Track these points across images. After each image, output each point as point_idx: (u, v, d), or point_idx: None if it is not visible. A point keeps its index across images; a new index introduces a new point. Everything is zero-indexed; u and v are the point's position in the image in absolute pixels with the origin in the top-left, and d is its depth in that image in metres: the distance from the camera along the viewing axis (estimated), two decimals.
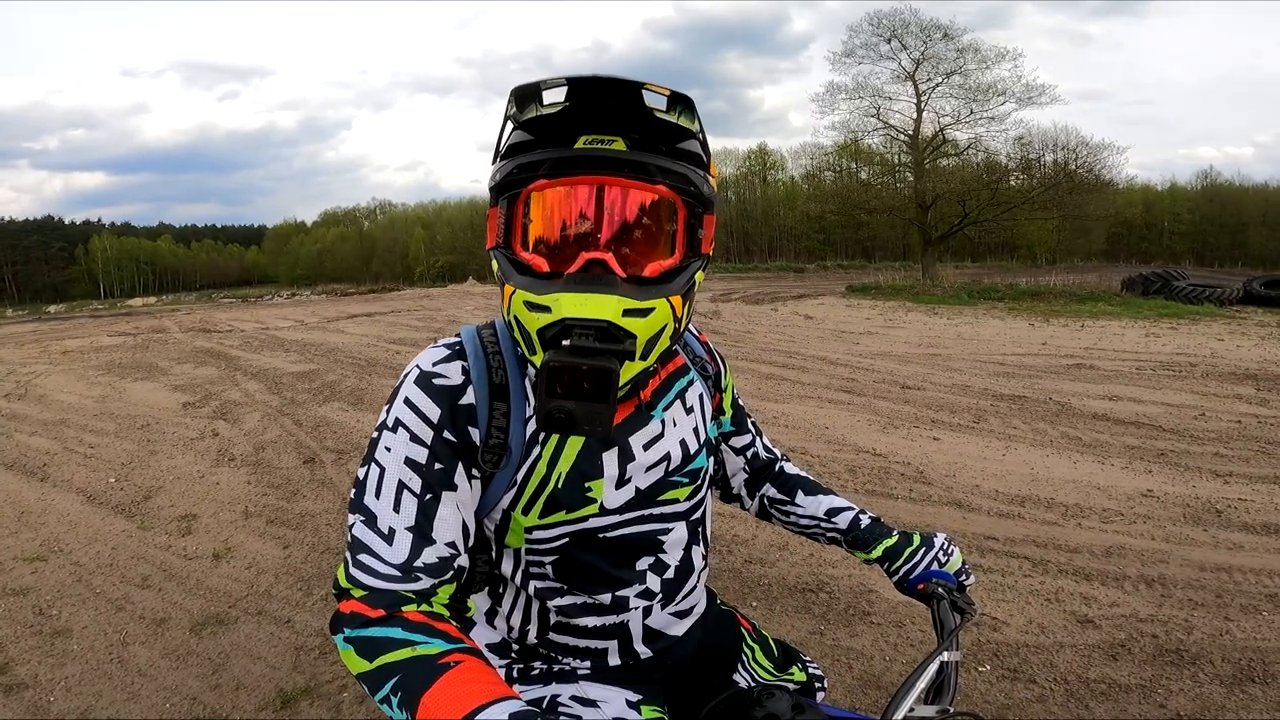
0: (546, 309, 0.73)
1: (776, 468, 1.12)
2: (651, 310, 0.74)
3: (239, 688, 2.20)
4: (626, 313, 0.73)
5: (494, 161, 0.80)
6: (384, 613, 0.72)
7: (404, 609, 0.72)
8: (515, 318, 0.76)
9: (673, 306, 0.77)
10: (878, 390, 6.24)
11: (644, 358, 0.76)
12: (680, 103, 0.73)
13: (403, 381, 0.81)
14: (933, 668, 0.79)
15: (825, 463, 4.28)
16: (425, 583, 0.75)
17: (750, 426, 1.10)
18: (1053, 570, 2.85)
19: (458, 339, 0.85)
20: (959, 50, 23.02)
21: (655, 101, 0.72)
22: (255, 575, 2.94)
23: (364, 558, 0.74)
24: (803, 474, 1.13)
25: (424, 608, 0.74)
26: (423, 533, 0.76)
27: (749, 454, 1.10)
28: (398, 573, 0.74)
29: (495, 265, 0.80)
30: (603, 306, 0.72)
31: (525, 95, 0.73)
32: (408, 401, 0.79)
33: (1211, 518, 3.39)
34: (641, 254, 0.77)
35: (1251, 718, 2.04)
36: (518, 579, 0.86)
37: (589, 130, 0.74)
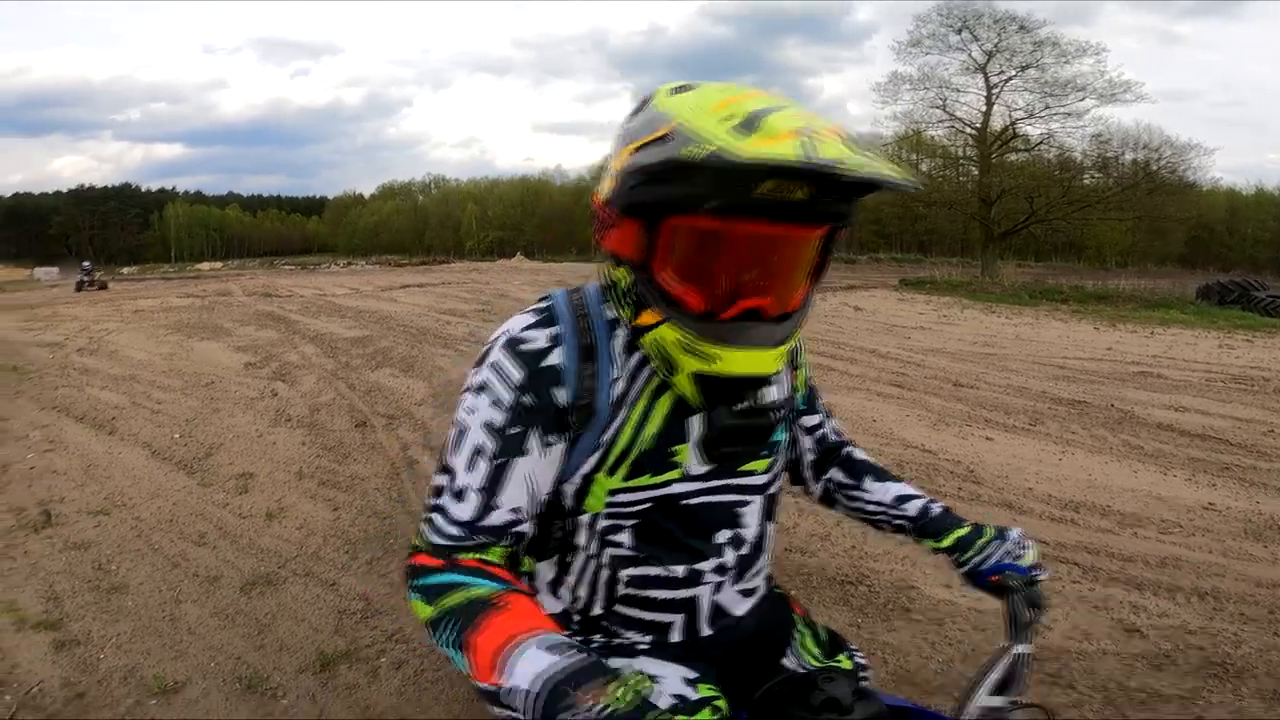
0: (709, 359, 0.75)
1: (844, 452, 1.11)
2: (791, 338, 0.81)
3: (282, 649, 2.27)
4: (778, 357, 0.79)
5: (634, 150, 0.74)
6: (443, 562, 0.77)
7: (460, 557, 0.77)
8: (662, 348, 0.77)
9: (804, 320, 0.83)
10: (929, 386, 6.08)
11: (782, 410, 0.88)
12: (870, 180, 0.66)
13: (492, 345, 0.83)
14: (1006, 660, 0.82)
15: (872, 456, 4.21)
16: (483, 540, 0.79)
17: (820, 408, 1.10)
18: (1103, 578, 2.74)
19: (548, 304, 0.85)
20: (1036, 43, 21.93)
21: (859, 170, 0.63)
22: (305, 536, 3.04)
23: (435, 515, 0.80)
24: (871, 460, 1.12)
25: (479, 555, 0.79)
26: (491, 495, 0.79)
27: (818, 435, 1.09)
28: (462, 531, 0.79)
29: (622, 277, 0.79)
30: (766, 363, 0.77)
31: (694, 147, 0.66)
32: (493, 365, 0.81)
33: (1273, 534, 3.21)
34: (787, 291, 0.78)
35: None
36: (592, 546, 0.86)
37: (775, 175, 0.66)
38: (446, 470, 0.81)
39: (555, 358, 0.81)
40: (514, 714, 0.65)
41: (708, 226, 0.71)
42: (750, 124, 0.65)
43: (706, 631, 0.90)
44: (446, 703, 2.05)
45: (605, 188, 0.79)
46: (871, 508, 1.08)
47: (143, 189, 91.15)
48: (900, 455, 4.21)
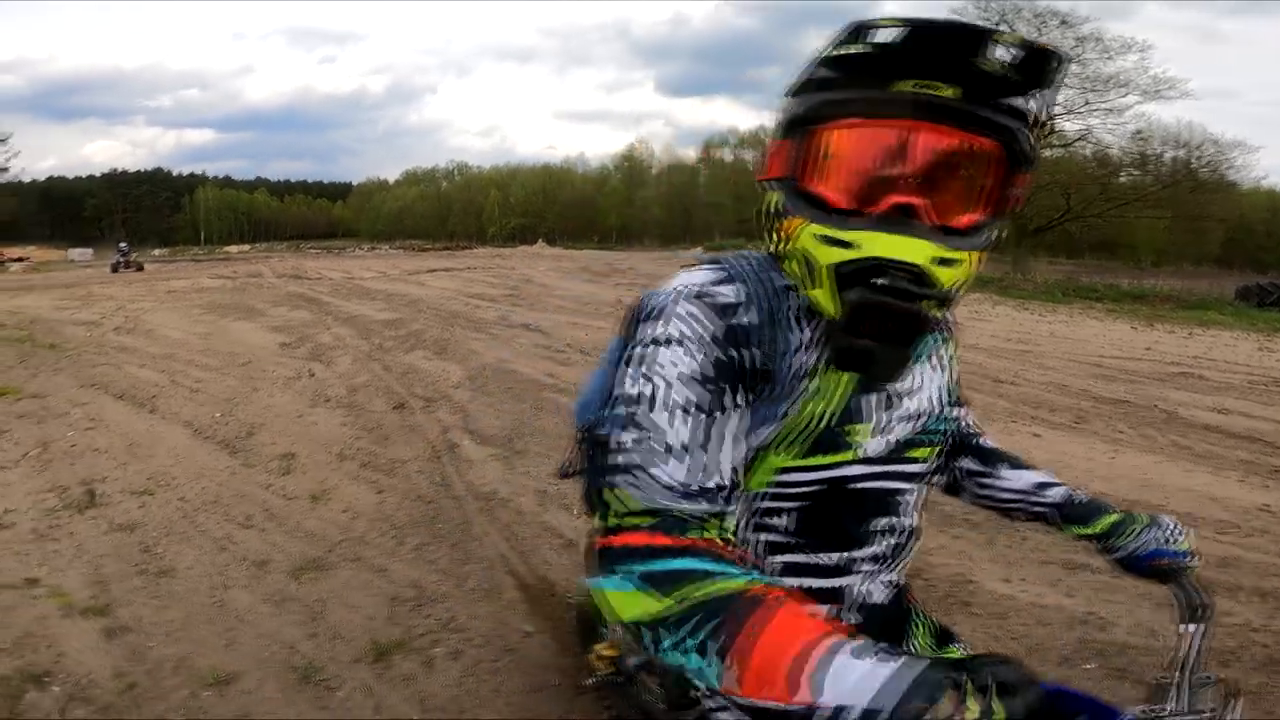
0: (849, 245, 0.69)
1: (976, 441, 1.08)
2: (959, 262, 0.71)
3: (335, 637, 2.22)
4: (936, 260, 0.69)
5: (791, 95, 0.76)
6: (674, 541, 0.66)
7: (694, 536, 0.67)
8: (803, 250, 0.72)
9: (974, 262, 0.73)
10: (967, 382, 5.84)
11: (944, 306, 0.75)
12: (1033, 57, 0.66)
13: (667, 299, 0.77)
14: (1187, 641, 0.81)
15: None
16: (708, 507, 0.69)
17: (959, 399, 1.06)
18: None
19: (720, 263, 0.81)
20: (1078, 39, 21.40)
21: (1002, 54, 0.65)
22: (350, 520, 3.03)
23: (644, 479, 0.69)
24: (1004, 450, 1.10)
25: (711, 534, 0.68)
26: (704, 454, 0.71)
27: (958, 424, 1.07)
28: (682, 494, 0.69)
29: (772, 199, 0.76)
30: (916, 250, 0.69)
31: (855, 32, 0.68)
32: (683, 317, 0.74)
33: None
34: (952, 204, 0.72)
35: None
36: (746, 529, 0.82)
37: (915, 74, 0.68)
38: (642, 431, 0.70)
39: (745, 315, 0.75)
40: None
41: (856, 127, 0.71)
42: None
43: (852, 621, 0.87)
44: (506, 695, 2.01)
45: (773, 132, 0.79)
46: (1007, 495, 1.04)
47: (174, 173, 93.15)
48: None
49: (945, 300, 0.73)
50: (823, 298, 0.73)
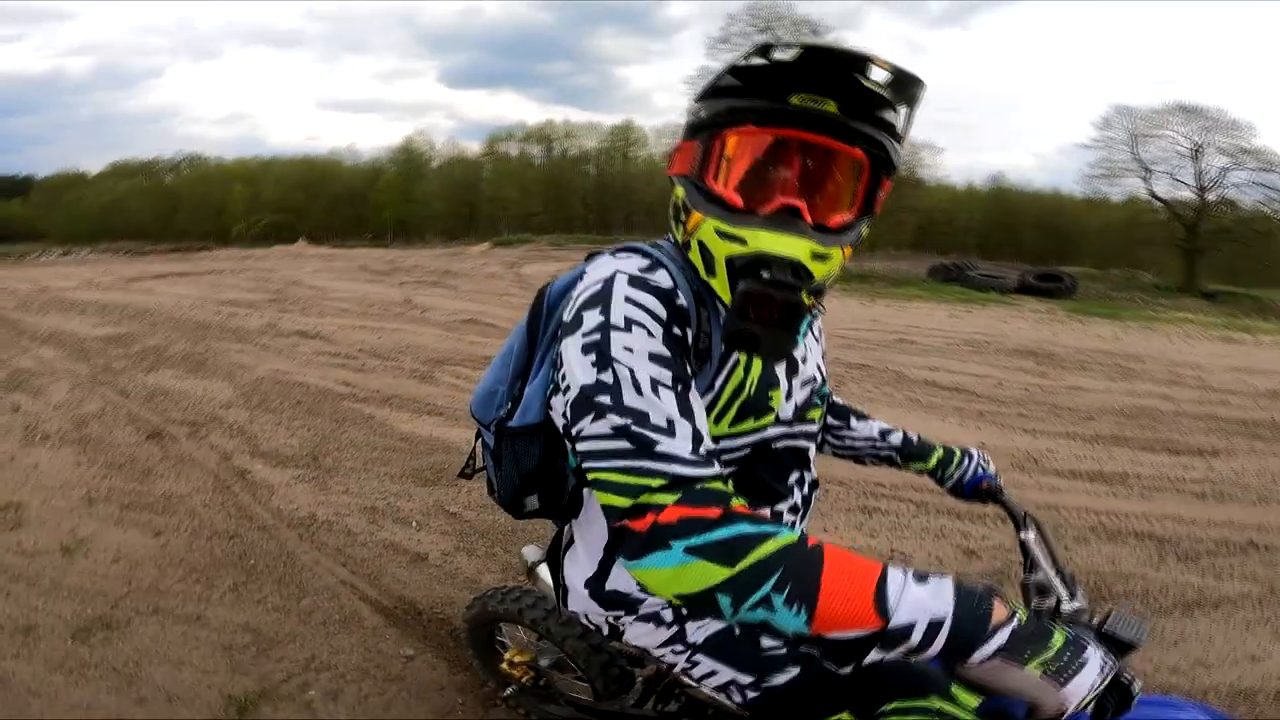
0: (741, 240, 0.79)
1: (830, 400, 1.25)
2: (831, 257, 0.82)
3: (172, 699, 1.91)
4: (814, 255, 0.80)
5: (697, 100, 0.85)
6: (712, 512, 0.69)
7: (723, 504, 0.70)
8: (700, 242, 0.81)
9: (843, 255, 0.85)
10: None
11: (816, 296, 0.86)
12: (901, 80, 0.78)
13: (608, 287, 0.80)
14: (1031, 545, 1.01)
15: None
16: (716, 469, 0.74)
17: None
18: (932, 511, 3.29)
19: (645, 252, 0.87)
20: None
21: (877, 75, 0.77)
22: (129, 569, 2.54)
23: (658, 461, 0.72)
24: (847, 403, 1.29)
25: (737, 501, 0.72)
26: (690, 423, 0.75)
27: None
28: (691, 464, 0.73)
29: (679, 193, 0.85)
30: (796, 247, 0.79)
31: (760, 50, 0.77)
32: (629, 301, 0.79)
33: (1032, 465, 4.11)
34: (827, 206, 0.83)
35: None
36: None
37: (804, 89, 0.78)
38: (633, 414, 0.73)
39: (680, 298, 0.82)
40: (879, 656, 0.64)
41: (751, 134, 0.81)
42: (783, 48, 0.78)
43: None
44: None
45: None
46: (860, 443, 1.25)
47: None
48: None
49: (819, 290, 0.87)
50: (719, 286, 0.83)
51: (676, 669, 1.06)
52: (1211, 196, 24.56)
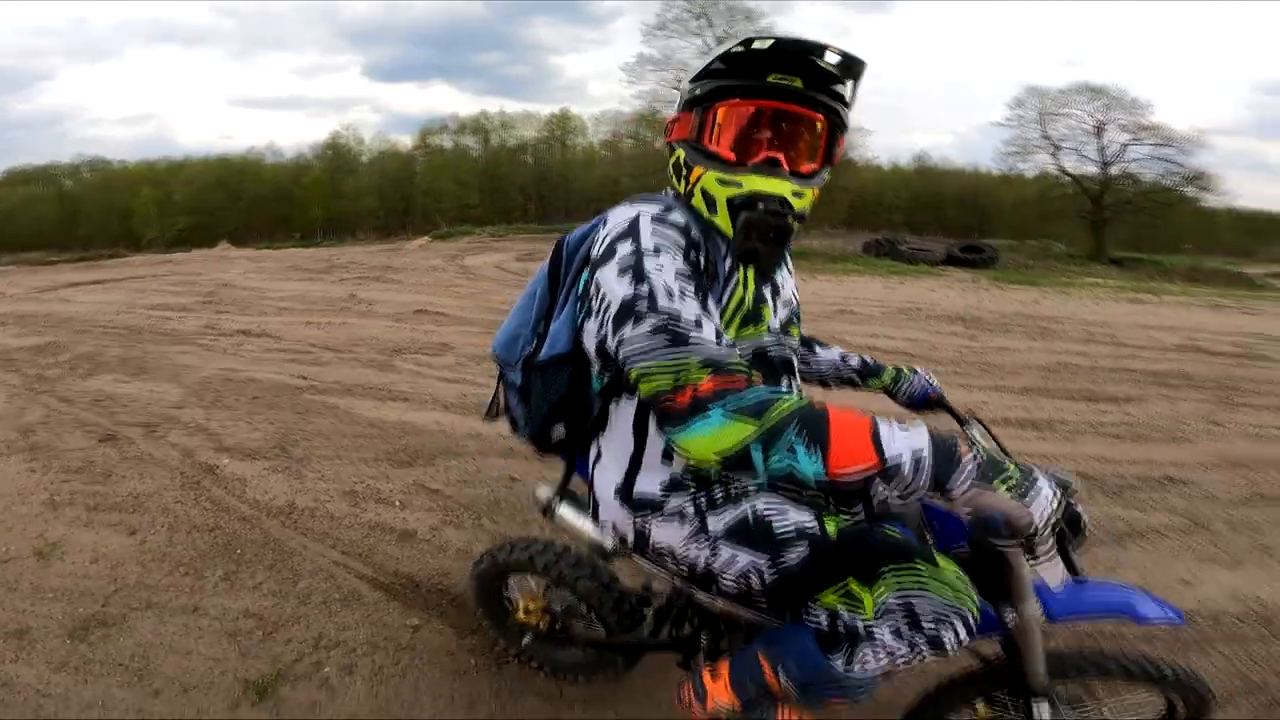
0: (738, 184, 1.04)
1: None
2: (805, 195, 1.08)
3: (187, 689, 1.90)
4: (793, 193, 1.06)
5: (692, 81, 1.09)
6: (740, 381, 0.88)
7: (747, 375, 0.90)
8: (703, 189, 1.05)
9: (813, 195, 1.10)
10: None
11: (799, 221, 1.09)
12: (848, 62, 1.02)
13: (634, 226, 1.00)
14: (976, 435, 1.28)
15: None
16: (738, 353, 0.94)
17: None
18: None
19: (657, 200, 1.09)
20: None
21: (831, 58, 1.01)
22: (111, 569, 2.49)
23: (692, 348, 0.90)
24: (812, 335, 1.53)
25: (754, 375, 0.91)
26: (710, 321, 0.96)
27: None
28: (725, 349, 0.92)
29: (680, 155, 1.08)
30: (780, 187, 1.06)
31: (743, 42, 1.01)
32: (655, 232, 0.99)
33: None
34: (799, 157, 1.08)
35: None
36: None
37: (777, 70, 1.02)
38: (667, 315, 0.92)
39: (693, 232, 1.02)
40: (883, 490, 0.82)
41: (738, 105, 1.05)
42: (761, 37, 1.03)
43: None
44: (431, 690, 1.91)
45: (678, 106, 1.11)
46: (825, 367, 1.50)
47: None
48: None
49: (800, 218, 1.10)
50: (722, 222, 1.07)
51: (699, 566, 1.20)
52: (1114, 171, 26.30)
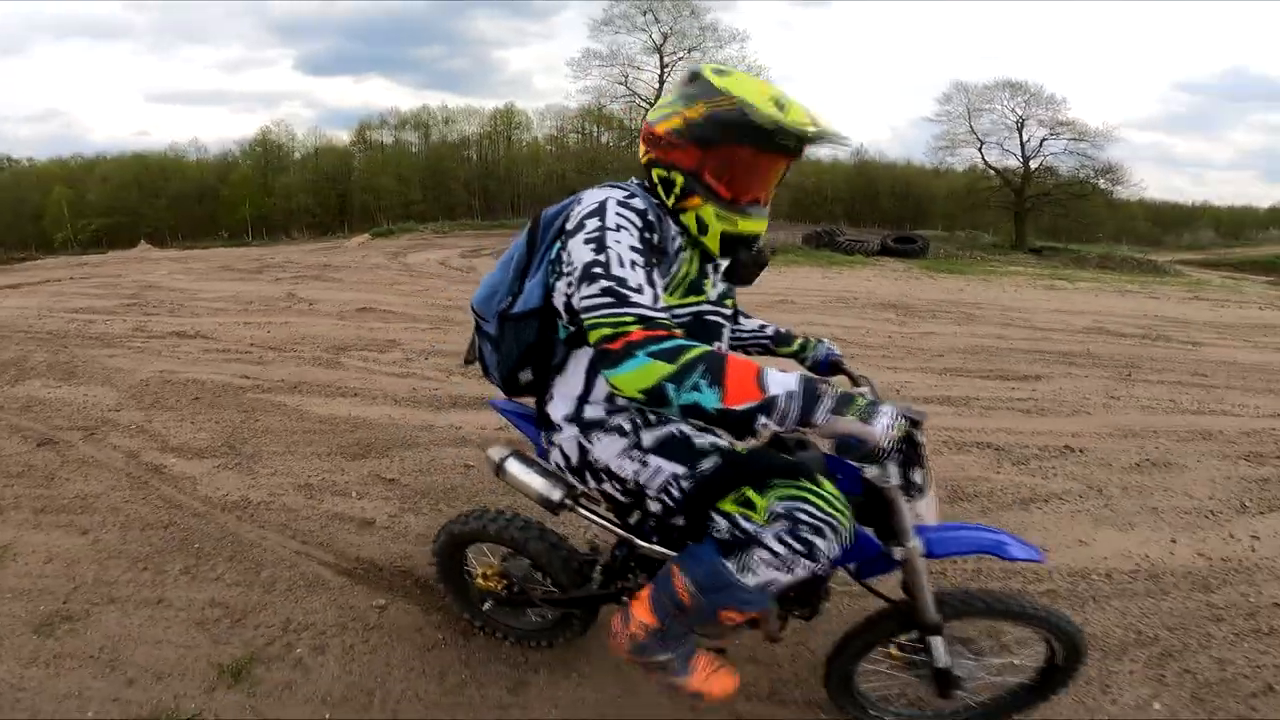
0: (733, 222, 1.28)
1: None
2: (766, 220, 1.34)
3: (160, 676, 1.96)
4: (766, 227, 1.33)
5: (708, 108, 1.25)
6: (662, 332, 1.08)
7: (669, 328, 1.10)
8: (699, 216, 1.27)
9: None
10: None
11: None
12: (832, 136, 1.24)
13: (603, 205, 1.21)
14: (867, 394, 1.45)
15: None
16: (667, 316, 1.13)
17: None
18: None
19: (623, 187, 1.29)
20: (702, 29, 25.45)
21: (814, 134, 1.23)
22: (67, 567, 2.49)
23: (631, 307, 1.11)
24: (737, 307, 1.74)
25: (676, 329, 1.11)
26: (652, 289, 1.16)
27: None
28: (656, 311, 1.12)
29: (678, 179, 1.27)
30: (761, 225, 1.34)
31: (754, 113, 1.21)
32: (619, 214, 1.20)
33: (894, 394, 4.77)
34: (769, 191, 1.33)
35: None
36: None
37: (800, 139, 1.24)
38: (617, 279, 1.12)
39: (650, 216, 1.22)
40: (764, 422, 1.02)
41: (745, 154, 1.26)
42: (780, 104, 1.23)
43: None
44: (403, 664, 2.01)
45: (671, 125, 1.26)
46: (746, 335, 1.77)
47: None
48: None
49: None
50: (711, 243, 1.31)
51: (629, 481, 1.44)
52: (1034, 164, 27.81)
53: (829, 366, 1.79)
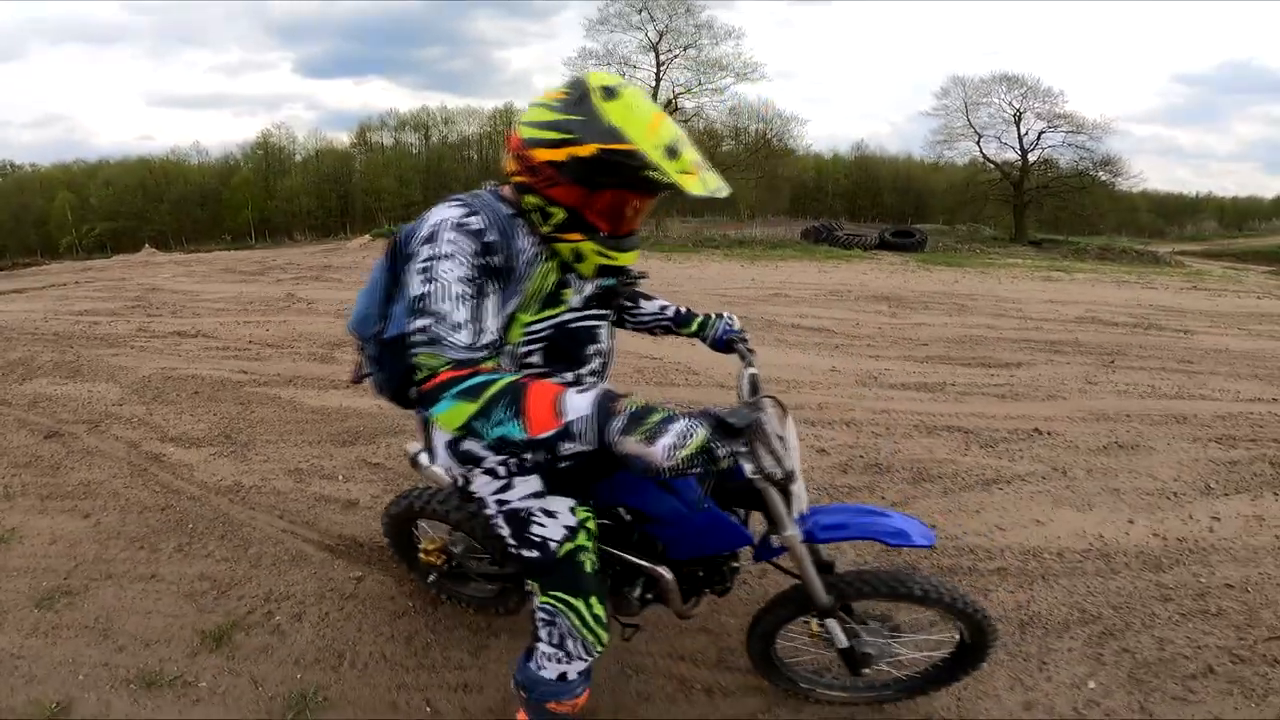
0: (610, 257, 1.26)
1: (631, 289, 1.69)
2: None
3: (148, 643, 2.11)
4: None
5: (598, 149, 1.15)
6: (469, 370, 1.07)
7: (483, 366, 1.09)
8: (577, 249, 1.25)
9: None
10: None
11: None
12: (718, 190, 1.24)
13: (436, 230, 1.15)
14: (747, 377, 1.51)
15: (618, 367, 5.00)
16: (483, 354, 1.12)
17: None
18: (798, 421, 3.89)
19: (466, 201, 1.22)
20: (697, 26, 25.50)
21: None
22: (70, 548, 2.64)
23: (443, 346, 1.08)
24: (642, 290, 1.75)
25: (489, 363, 1.11)
26: (478, 324, 1.13)
27: (618, 284, 1.66)
28: (468, 350, 1.10)
29: (557, 213, 1.21)
30: (634, 256, 1.31)
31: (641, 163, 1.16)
32: (451, 240, 1.14)
33: (873, 382, 4.88)
34: (640, 220, 1.31)
35: (927, 501, 3.21)
36: (512, 368, 1.31)
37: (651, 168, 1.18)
38: (435, 315, 1.09)
39: (489, 235, 1.17)
40: (570, 447, 0.99)
41: (628, 195, 1.23)
42: (673, 153, 1.16)
43: None
44: (373, 629, 2.14)
45: (554, 157, 1.17)
46: (647, 318, 1.74)
47: None
48: (639, 364, 5.06)
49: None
50: (586, 270, 1.27)
51: (502, 526, 1.48)
52: (1032, 157, 27.73)
53: (725, 345, 1.74)
